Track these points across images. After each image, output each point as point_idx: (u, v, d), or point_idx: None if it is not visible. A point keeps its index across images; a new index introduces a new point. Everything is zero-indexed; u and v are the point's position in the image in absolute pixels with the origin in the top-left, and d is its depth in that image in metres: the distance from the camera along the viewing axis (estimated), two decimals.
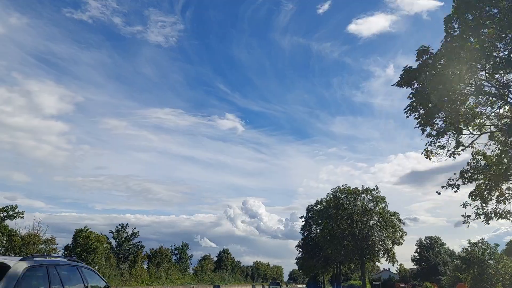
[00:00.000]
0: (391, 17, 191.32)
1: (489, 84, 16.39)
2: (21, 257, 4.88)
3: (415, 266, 74.11)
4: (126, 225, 47.77)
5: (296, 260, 79.82)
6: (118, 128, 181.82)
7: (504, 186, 17.97)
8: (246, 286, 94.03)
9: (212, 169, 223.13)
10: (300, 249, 73.15)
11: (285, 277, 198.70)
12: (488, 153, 18.24)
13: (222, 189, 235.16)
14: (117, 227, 47.36)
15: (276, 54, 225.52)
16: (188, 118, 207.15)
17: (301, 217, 70.76)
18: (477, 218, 18.46)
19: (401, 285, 67.03)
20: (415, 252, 72.73)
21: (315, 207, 64.13)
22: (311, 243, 65.31)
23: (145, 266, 53.09)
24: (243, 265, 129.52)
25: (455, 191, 17.81)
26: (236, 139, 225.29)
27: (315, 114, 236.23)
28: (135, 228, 48.73)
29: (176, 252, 70.57)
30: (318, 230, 60.63)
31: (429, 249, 66.92)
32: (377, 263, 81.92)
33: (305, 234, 69.15)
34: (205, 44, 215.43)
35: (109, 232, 46.73)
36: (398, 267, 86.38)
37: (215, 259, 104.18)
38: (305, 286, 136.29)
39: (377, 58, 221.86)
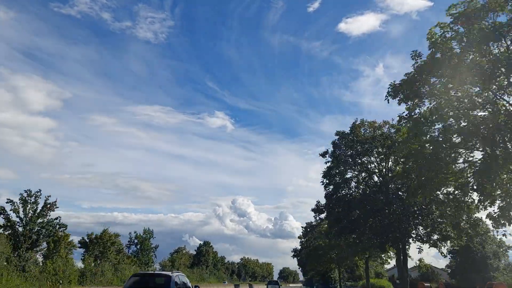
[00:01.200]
0: (381, 17, 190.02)
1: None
2: (171, 272, 13.38)
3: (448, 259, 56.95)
4: (37, 192, 30.09)
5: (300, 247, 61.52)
6: (107, 125, 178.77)
7: None
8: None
9: (201, 167, 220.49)
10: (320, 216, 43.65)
11: (275, 276, 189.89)
12: None
13: (211, 188, 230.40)
14: (21, 194, 29.57)
15: (266, 52, 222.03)
16: (177, 115, 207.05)
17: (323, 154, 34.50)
18: None
19: (426, 284, 51.17)
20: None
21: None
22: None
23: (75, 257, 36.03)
24: (229, 262, 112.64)
25: None
26: (226, 137, 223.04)
27: (304, 113, 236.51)
28: (49, 197, 30.73)
29: (135, 241, 53.33)
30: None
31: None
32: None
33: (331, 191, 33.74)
34: (194, 41, 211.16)
35: (6, 202, 29.02)
36: (418, 262, 70.50)
37: (195, 253, 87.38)
38: (301, 285, 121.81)
39: (366, 57, 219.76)
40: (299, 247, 67.70)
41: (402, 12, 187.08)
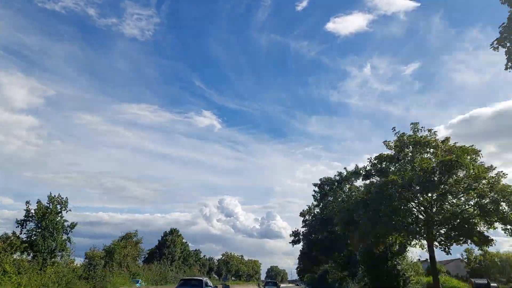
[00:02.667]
0: (368, 17, 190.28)
1: None
2: (202, 276, 43.41)
3: None
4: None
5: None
6: (91, 123, 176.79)
7: None
8: None
9: (188, 167, 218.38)
10: None
11: (263, 275, 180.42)
12: None
13: (198, 188, 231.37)
14: None
15: (254, 52, 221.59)
16: (164, 114, 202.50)
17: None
18: None
19: (477, 281, 35.20)
20: None
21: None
22: None
23: None
24: (205, 257, 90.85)
25: None
26: (213, 137, 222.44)
27: (291, 113, 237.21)
28: None
29: (32, 214, 31.23)
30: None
31: None
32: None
33: None
34: (181, 39, 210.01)
35: None
36: (465, 253, 50.61)
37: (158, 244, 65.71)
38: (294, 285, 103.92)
39: (353, 57, 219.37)
40: (302, 229, 46.58)
41: (390, 12, 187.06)
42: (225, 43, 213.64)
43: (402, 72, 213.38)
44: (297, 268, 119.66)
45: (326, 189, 43.02)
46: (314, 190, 44.41)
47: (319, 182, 44.48)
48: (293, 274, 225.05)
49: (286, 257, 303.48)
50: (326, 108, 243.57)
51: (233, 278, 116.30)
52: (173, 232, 68.64)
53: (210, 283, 26.63)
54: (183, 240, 69.73)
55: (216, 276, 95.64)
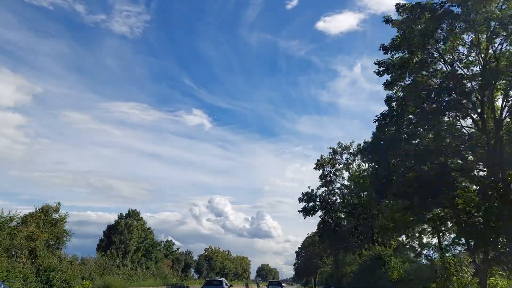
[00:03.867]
0: (358, 16, 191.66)
1: None
2: (221, 277, 51.83)
3: None
4: None
5: None
6: (79, 121, 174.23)
7: None
8: None
9: (177, 166, 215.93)
10: None
11: (253, 274, 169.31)
12: None
13: (187, 187, 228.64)
14: None
15: (244, 50, 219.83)
16: (154, 113, 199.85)
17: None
18: None
19: None
20: None
21: None
22: None
23: None
24: (182, 251, 72.87)
25: None
26: (203, 136, 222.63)
27: (281, 113, 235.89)
28: None
29: None
30: None
31: None
32: None
33: None
34: (171, 36, 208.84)
35: None
36: None
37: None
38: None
39: (343, 57, 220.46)
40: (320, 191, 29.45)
41: (380, 11, 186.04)
42: (215, 42, 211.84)
43: None
44: (295, 264, 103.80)
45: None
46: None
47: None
48: (283, 273, 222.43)
49: (276, 256, 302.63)
50: (316, 107, 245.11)
51: (217, 277, 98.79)
52: (131, 214, 50.91)
53: (226, 282, 35.42)
54: (146, 226, 51.94)
55: (195, 275, 77.93)
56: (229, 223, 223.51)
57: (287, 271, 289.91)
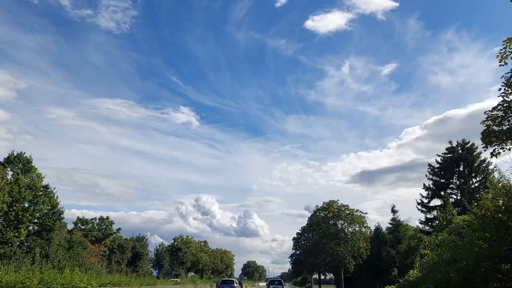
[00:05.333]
0: (347, 15, 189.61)
1: None
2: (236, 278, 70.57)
3: None
4: None
5: None
6: (64, 118, 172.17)
7: None
8: None
9: (164, 164, 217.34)
10: None
11: (237, 272, 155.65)
12: None
13: (174, 186, 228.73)
14: None
15: (231, 48, 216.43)
16: (140, 110, 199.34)
17: None
18: None
19: None
20: None
21: None
22: None
23: None
24: (132, 236, 49.92)
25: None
26: (190, 134, 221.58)
27: (269, 112, 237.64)
28: None
29: None
30: None
31: None
32: None
33: None
34: (158, 33, 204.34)
35: None
36: None
37: None
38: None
39: (331, 57, 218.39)
40: None
41: (368, 11, 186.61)
42: (203, 39, 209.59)
43: (379, 73, 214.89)
44: (292, 255, 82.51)
45: None
46: None
47: None
48: (270, 272, 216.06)
49: (263, 255, 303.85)
50: (304, 107, 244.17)
51: (190, 273, 76.60)
52: (14, 159, 28.37)
53: (237, 282, 43.47)
54: (41, 184, 29.32)
55: (153, 270, 55.55)
56: (216, 222, 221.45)
57: (273, 270, 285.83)
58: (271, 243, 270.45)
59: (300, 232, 68.24)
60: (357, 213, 49.35)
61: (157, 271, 55.15)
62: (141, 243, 51.56)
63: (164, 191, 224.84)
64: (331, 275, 79.23)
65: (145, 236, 53.31)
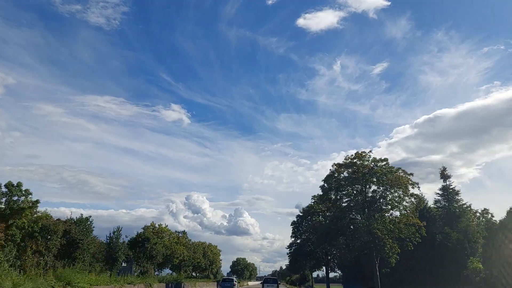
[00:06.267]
0: (339, 13, 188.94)
1: None
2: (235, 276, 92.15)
3: None
4: None
5: None
6: (53, 115, 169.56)
7: None
8: None
9: (154, 162, 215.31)
10: None
11: (225, 270, 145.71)
12: None
13: (164, 184, 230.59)
14: None
15: (222, 46, 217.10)
16: (130, 107, 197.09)
17: None
18: None
19: None
20: None
21: None
22: None
23: None
24: (75, 217, 34.48)
25: None
26: (180, 132, 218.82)
27: (260, 110, 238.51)
28: None
29: None
30: None
31: None
32: None
33: None
34: (148, 30, 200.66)
35: None
36: None
37: None
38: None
39: (322, 55, 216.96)
40: None
41: (360, 10, 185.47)
42: (193, 36, 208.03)
43: (369, 72, 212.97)
44: (290, 245, 66.84)
45: None
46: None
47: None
48: (261, 271, 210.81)
49: (254, 254, 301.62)
50: (295, 105, 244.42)
51: (166, 270, 60.98)
52: None
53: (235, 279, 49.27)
54: None
55: (101, 265, 39.88)
56: (206, 220, 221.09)
57: (264, 268, 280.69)
58: (262, 241, 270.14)
59: (301, 214, 53.42)
60: (400, 173, 33.65)
61: (107, 266, 39.28)
62: (82, 227, 35.73)
63: (154, 189, 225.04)
64: (339, 272, 63.68)
65: (89, 218, 37.38)
